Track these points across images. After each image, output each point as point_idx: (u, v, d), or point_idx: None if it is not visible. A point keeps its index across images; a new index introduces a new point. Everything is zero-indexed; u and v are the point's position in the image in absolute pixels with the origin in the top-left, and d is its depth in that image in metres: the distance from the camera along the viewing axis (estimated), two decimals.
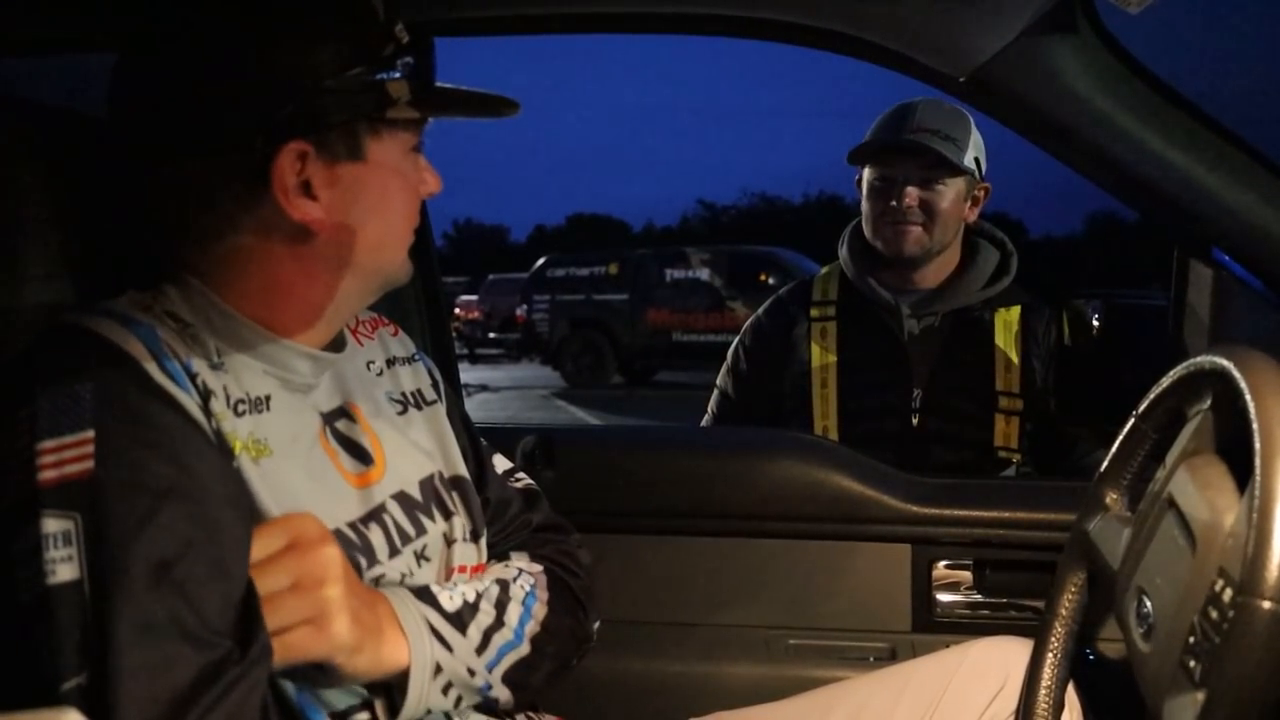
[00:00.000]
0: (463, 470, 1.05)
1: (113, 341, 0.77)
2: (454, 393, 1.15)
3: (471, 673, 0.93)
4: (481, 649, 0.94)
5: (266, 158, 0.82)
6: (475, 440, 1.13)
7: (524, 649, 0.99)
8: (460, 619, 0.93)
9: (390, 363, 1.06)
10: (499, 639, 0.96)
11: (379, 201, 0.89)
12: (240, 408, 0.83)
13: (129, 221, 0.90)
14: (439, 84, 0.93)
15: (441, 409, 1.08)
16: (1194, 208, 1.30)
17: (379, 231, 0.90)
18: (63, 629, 0.68)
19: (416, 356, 1.10)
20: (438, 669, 0.89)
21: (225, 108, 0.82)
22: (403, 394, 1.04)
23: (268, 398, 0.86)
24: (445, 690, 0.90)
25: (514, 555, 1.10)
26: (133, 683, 0.68)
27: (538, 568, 1.08)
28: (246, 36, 0.82)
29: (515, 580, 1.03)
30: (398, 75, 0.86)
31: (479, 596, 0.97)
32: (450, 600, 0.94)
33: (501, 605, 0.99)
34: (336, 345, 0.97)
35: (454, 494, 1.02)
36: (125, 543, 0.70)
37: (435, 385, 1.10)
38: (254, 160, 0.82)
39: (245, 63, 0.82)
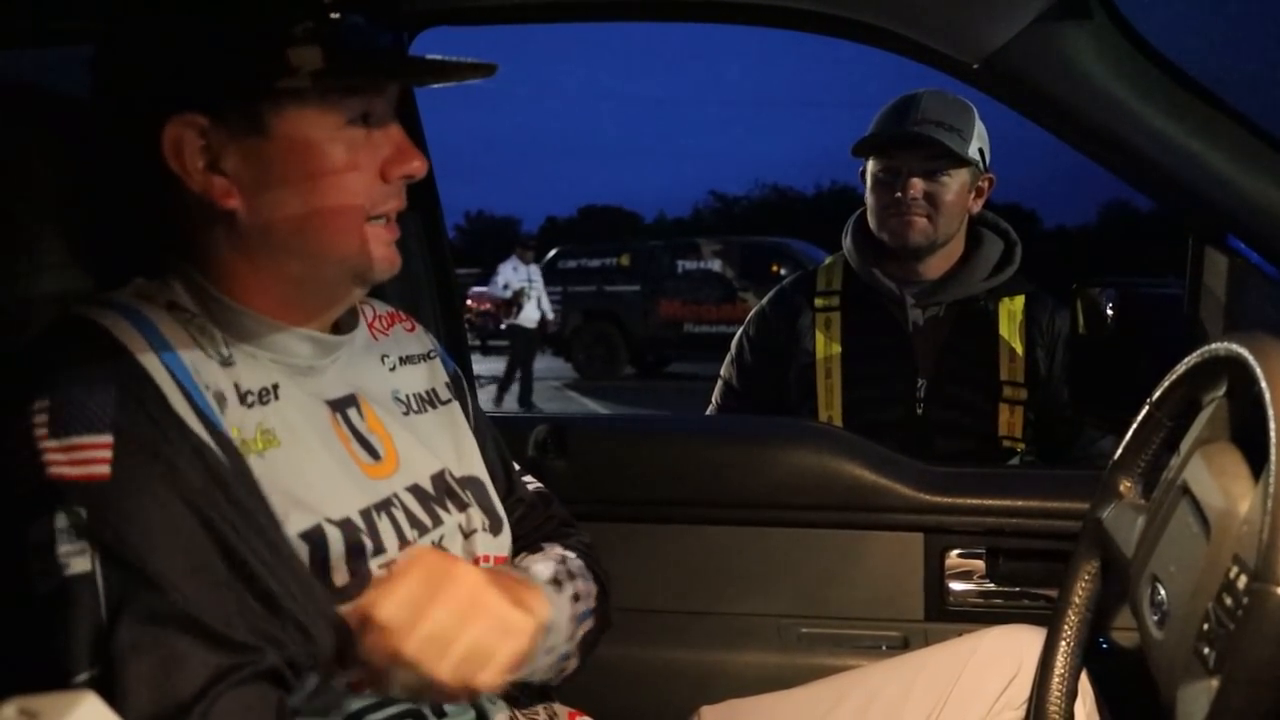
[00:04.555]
0: (476, 470, 1.05)
1: (117, 337, 0.77)
2: (472, 393, 1.15)
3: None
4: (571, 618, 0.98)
5: (155, 131, 0.81)
6: (498, 441, 1.13)
7: (590, 622, 1.02)
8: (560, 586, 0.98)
9: (404, 360, 1.05)
10: (581, 607, 1.00)
11: (298, 178, 0.83)
12: (249, 399, 0.84)
13: (120, 212, 0.91)
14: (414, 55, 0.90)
15: (457, 408, 1.08)
16: (1209, 195, 1.29)
17: (300, 211, 0.84)
18: (74, 623, 0.69)
19: (434, 353, 1.10)
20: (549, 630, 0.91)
21: (121, 87, 0.84)
22: (414, 393, 1.04)
23: (275, 387, 0.86)
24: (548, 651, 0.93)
25: (547, 546, 1.10)
26: (141, 679, 0.68)
27: (572, 554, 1.09)
28: (149, 13, 0.83)
29: (568, 561, 1.05)
30: (308, 44, 0.80)
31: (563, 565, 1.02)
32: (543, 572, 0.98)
33: (576, 577, 1.02)
34: (346, 329, 0.96)
35: (466, 491, 1.02)
36: (135, 539, 0.71)
37: (451, 385, 1.09)
38: (149, 136, 0.81)
39: (142, 41, 0.83)
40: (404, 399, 1.03)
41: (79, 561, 0.70)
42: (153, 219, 0.88)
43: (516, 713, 1.00)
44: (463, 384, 1.11)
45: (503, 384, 10.82)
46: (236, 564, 0.75)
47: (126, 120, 0.84)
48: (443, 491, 0.99)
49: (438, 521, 0.96)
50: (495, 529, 1.03)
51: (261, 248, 0.86)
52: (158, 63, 0.82)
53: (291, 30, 0.80)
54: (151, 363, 0.77)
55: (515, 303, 10.88)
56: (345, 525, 0.85)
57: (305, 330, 0.90)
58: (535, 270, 11.33)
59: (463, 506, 1.00)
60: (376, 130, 0.87)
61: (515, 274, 11.06)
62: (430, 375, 1.08)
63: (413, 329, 1.11)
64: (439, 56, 0.89)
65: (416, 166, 0.89)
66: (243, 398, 0.83)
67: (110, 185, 0.91)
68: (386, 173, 0.88)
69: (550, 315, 11.55)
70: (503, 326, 18.09)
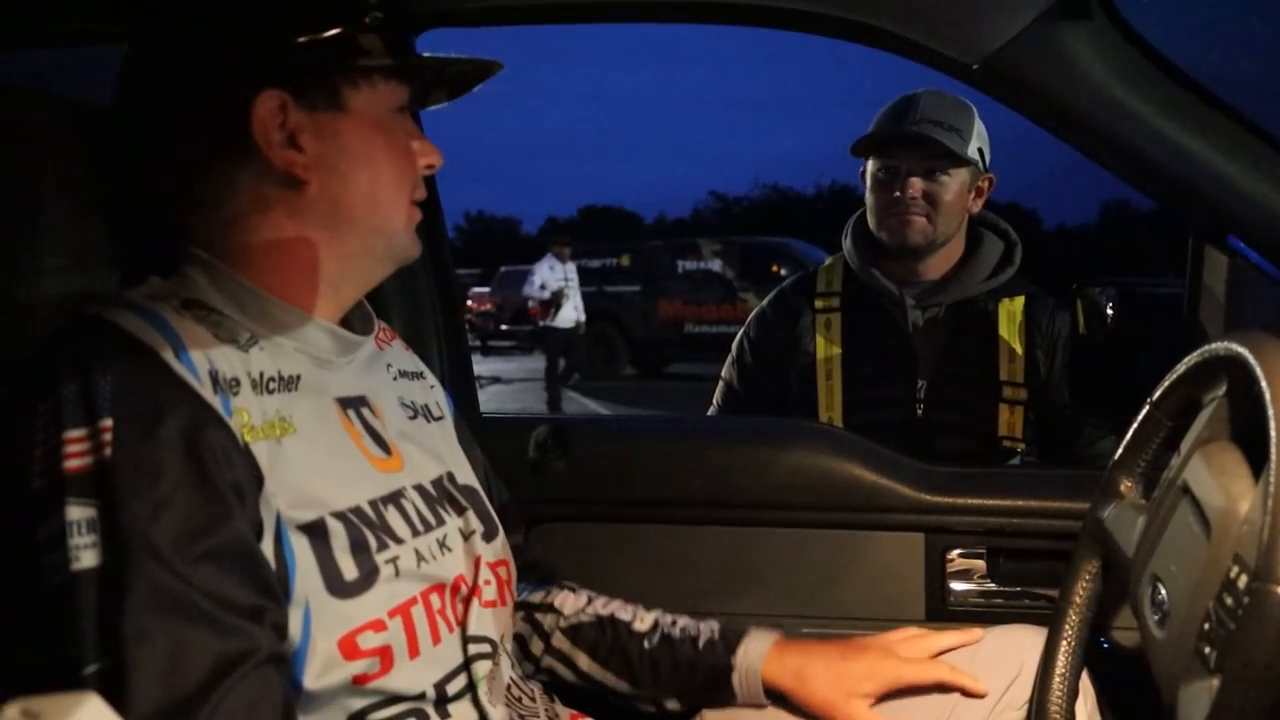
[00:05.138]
0: (472, 481, 1.09)
1: (131, 332, 0.78)
2: (472, 401, 1.20)
3: None
4: None
5: (244, 107, 0.85)
6: (486, 464, 1.19)
7: None
8: None
9: (402, 373, 1.09)
10: None
11: (365, 153, 0.91)
12: (271, 385, 0.85)
13: (143, 205, 0.91)
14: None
15: (449, 425, 1.13)
16: (1209, 194, 1.29)
17: (368, 184, 0.91)
18: (83, 616, 0.70)
19: (425, 375, 1.15)
20: None
21: (202, 69, 0.86)
22: (412, 403, 1.07)
23: (298, 377, 0.88)
24: None
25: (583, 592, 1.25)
26: (148, 668, 0.69)
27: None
28: (219, 8, 0.87)
29: None
30: (372, 33, 0.89)
31: None
32: None
33: None
34: (361, 329, 0.98)
35: (464, 497, 1.04)
36: (141, 530, 0.71)
37: (441, 404, 1.14)
38: (235, 113, 0.85)
39: (218, 29, 0.86)
40: (409, 404, 1.06)
41: (89, 555, 0.70)
42: (180, 213, 0.89)
43: (515, 713, 1.01)
44: (449, 405, 1.16)
45: (551, 385, 10.47)
46: (238, 546, 0.76)
47: (203, 101, 0.87)
48: (443, 495, 1.01)
49: (441, 521, 0.97)
50: (490, 535, 1.05)
51: (325, 222, 0.91)
52: (247, 41, 0.86)
53: (362, 18, 0.89)
54: (163, 353, 0.78)
55: (554, 303, 10.45)
56: (355, 513, 0.86)
57: (324, 322, 0.92)
58: (573, 269, 10.86)
59: (461, 511, 1.02)
60: (406, 122, 0.96)
61: (552, 273, 10.62)
62: (424, 393, 1.12)
63: (408, 349, 1.15)
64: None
65: (437, 160, 0.99)
66: (264, 384, 0.85)
67: (131, 183, 0.92)
68: (416, 162, 0.97)
69: (581, 317, 10.96)
70: (503, 327, 18.11)
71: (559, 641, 1.19)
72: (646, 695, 1.19)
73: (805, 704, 1.13)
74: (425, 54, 0.97)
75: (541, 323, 10.77)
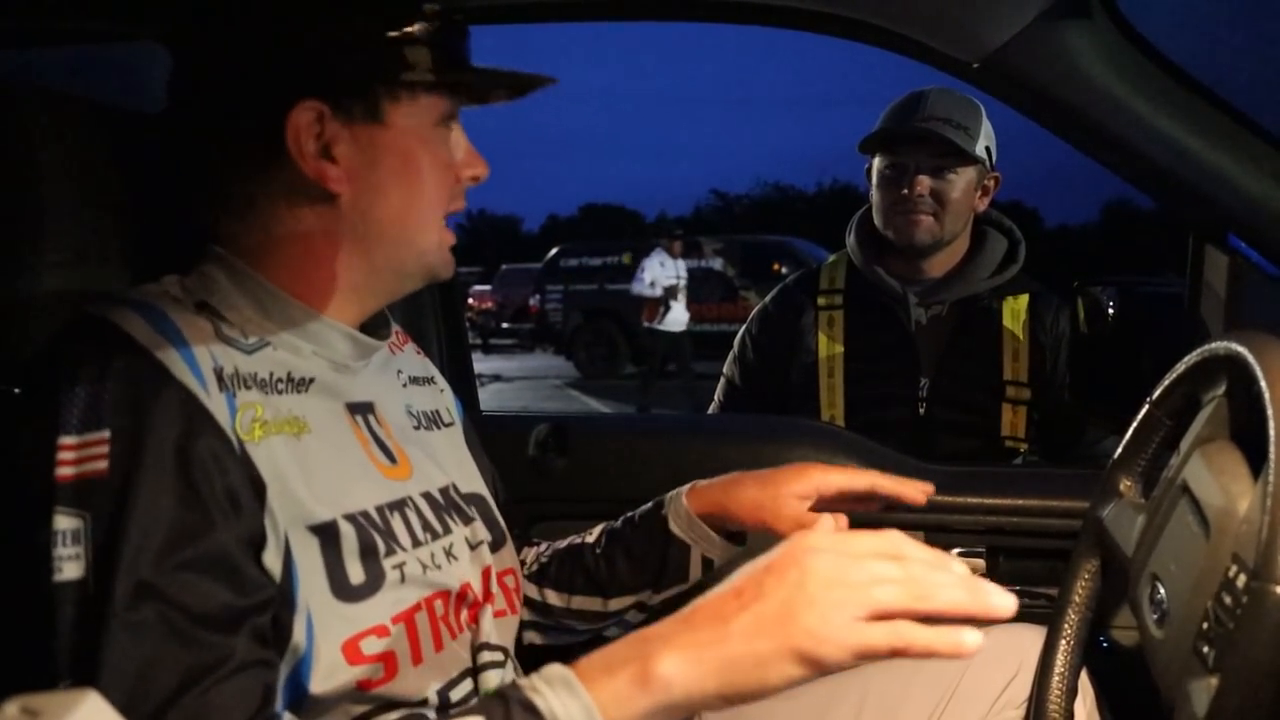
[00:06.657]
0: (480, 489, 1.08)
1: (131, 334, 0.77)
2: (474, 405, 1.18)
3: None
4: None
5: (280, 116, 0.84)
6: (492, 470, 1.17)
7: None
8: None
9: (413, 379, 1.09)
10: None
11: (401, 168, 0.89)
12: (280, 386, 0.85)
13: (175, 205, 0.91)
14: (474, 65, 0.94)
15: (459, 431, 1.12)
16: (1210, 193, 1.29)
17: (402, 200, 0.90)
18: (61, 627, 0.69)
19: (436, 380, 1.14)
20: None
21: (240, 74, 0.86)
22: (421, 411, 1.06)
23: (311, 380, 0.88)
24: None
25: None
26: (115, 683, 0.68)
27: None
28: (262, 10, 0.85)
29: None
30: (419, 45, 0.88)
31: None
32: None
33: None
34: (379, 333, 0.98)
35: (471, 506, 1.03)
36: (125, 546, 0.70)
37: (451, 409, 1.13)
38: (269, 120, 0.84)
39: (260, 33, 0.85)
40: (415, 414, 1.05)
41: (72, 566, 0.70)
42: (210, 212, 0.89)
43: None
44: (459, 410, 1.15)
45: (645, 387, 9.66)
46: (225, 560, 0.75)
47: (240, 106, 0.86)
48: (450, 504, 1.00)
49: (447, 530, 0.97)
50: (498, 545, 1.04)
51: (355, 234, 0.89)
52: (288, 49, 0.85)
53: (409, 30, 0.87)
54: (164, 356, 0.77)
55: (664, 302, 9.50)
56: (363, 517, 0.86)
57: (344, 327, 0.92)
58: (683, 266, 9.90)
59: (468, 521, 1.01)
60: (452, 134, 0.94)
61: (663, 269, 9.64)
62: (434, 398, 1.11)
63: (419, 353, 1.15)
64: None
65: (483, 171, 0.97)
66: (274, 384, 0.84)
67: (164, 182, 0.92)
68: (459, 174, 0.95)
69: (686, 317, 9.86)
70: (504, 325, 18.05)
71: (527, 590, 1.17)
72: (619, 606, 1.18)
73: (736, 512, 1.14)
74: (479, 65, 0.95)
75: (647, 324, 9.74)
